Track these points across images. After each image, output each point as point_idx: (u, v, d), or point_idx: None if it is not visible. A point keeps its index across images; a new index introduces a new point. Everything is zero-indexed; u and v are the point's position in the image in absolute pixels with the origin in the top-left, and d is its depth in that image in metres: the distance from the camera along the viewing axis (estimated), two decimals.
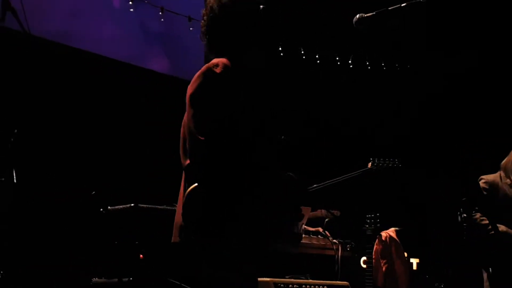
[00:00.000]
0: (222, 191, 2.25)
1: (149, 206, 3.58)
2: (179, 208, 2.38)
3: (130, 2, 4.93)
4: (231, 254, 2.28)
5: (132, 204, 3.51)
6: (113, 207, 3.51)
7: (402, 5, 2.32)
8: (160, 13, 5.07)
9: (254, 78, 2.54)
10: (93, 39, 5.17)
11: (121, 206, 3.55)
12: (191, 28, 5.34)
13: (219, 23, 2.47)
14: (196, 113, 2.32)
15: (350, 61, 6.47)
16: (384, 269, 4.94)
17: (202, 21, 2.52)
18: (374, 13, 2.38)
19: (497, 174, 4.21)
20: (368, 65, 6.59)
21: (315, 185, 4.50)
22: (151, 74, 5.58)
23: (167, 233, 3.47)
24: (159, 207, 3.64)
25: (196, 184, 2.26)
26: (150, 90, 5.46)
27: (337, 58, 6.42)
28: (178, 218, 2.35)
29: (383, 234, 5.00)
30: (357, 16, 2.39)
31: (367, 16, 2.39)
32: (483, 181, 4.19)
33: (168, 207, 3.66)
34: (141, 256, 3.33)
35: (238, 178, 2.28)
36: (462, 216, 4.13)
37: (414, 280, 5.50)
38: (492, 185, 4.14)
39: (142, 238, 3.40)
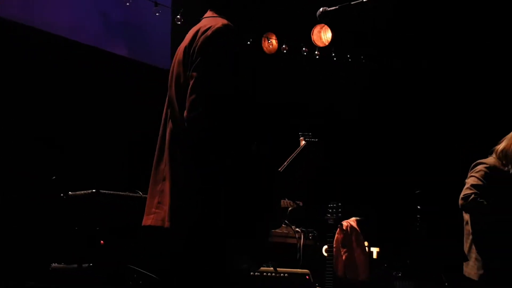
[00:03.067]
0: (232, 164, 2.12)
1: (111, 192, 3.55)
2: (167, 187, 2.20)
3: None
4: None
5: (94, 190, 3.47)
6: (74, 193, 3.46)
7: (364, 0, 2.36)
8: None
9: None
10: (53, 21, 5.08)
11: (82, 192, 3.50)
12: (157, 14, 5.28)
13: None
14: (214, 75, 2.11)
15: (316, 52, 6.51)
16: (344, 257, 5.01)
17: None
18: (337, 7, 2.41)
19: (494, 159, 4.06)
20: (334, 57, 6.64)
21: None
22: (113, 57, 5.51)
23: (129, 219, 3.46)
24: (122, 193, 3.61)
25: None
26: (112, 74, 5.39)
27: (304, 49, 6.44)
28: (169, 199, 2.17)
29: (344, 223, 5.07)
30: (321, 9, 2.42)
31: (330, 9, 2.43)
32: (484, 165, 4.01)
33: (131, 194, 3.64)
34: (101, 242, 3.30)
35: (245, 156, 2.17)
36: (417, 207, 4.07)
37: (374, 268, 5.59)
38: (493, 170, 3.98)
39: (103, 224, 3.36)
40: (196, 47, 2.21)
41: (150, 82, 5.72)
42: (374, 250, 6.33)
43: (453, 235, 4.30)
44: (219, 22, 2.26)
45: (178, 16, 5.37)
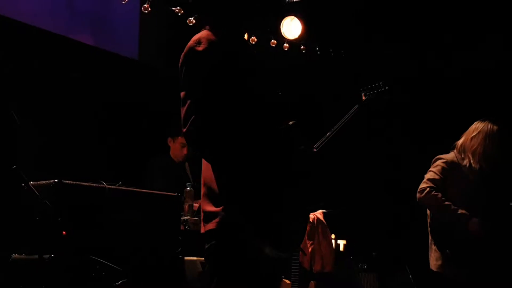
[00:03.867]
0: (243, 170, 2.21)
1: (74, 182, 3.49)
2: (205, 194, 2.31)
3: None
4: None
5: (56, 180, 3.41)
6: (35, 182, 3.40)
7: None
8: None
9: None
10: (17, 8, 4.98)
11: (44, 182, 3.44)
12: (123, 2, 5.21)
13: None
14: (186, 108, 2.25)
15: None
16: (310, 250, 5.05)
17: None
18: None
19: (453, 154, 4.14)
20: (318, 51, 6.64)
21: (316, 145, 4.21)
22: (79, 45, 5.42)
23: (92, 210, 3.42)
24: (85, 183, 3.55)
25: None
26: (78, 62, 5.31)
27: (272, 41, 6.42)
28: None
29: (311, 216, 5.10)
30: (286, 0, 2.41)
31: (296, 1, 2.42)
32: (442, 160, 4.10)
33: (94, 184, 3.59)
34: (63, 232, 3.25)
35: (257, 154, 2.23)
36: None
37: (339, 260, 5.63)
38: (451, 165, 4.07)
39: (65, 214, 3.31)
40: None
41: (116, 71, 5.65)
42: (341, 243, 6.38)
43: (419, 228, 4.37)
44: (197, 36, 2.33)
45: (146, 5, 5.30)
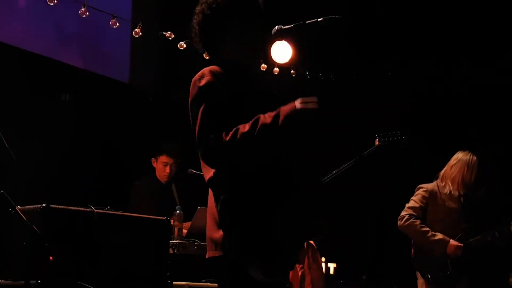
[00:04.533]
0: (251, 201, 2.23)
1: (62, 207, 3.47)
2: (210, 219, 2.34)
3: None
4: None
5: (44, 205, 3.39)
6: (23, 207, 3.38)
7: (319, 19, 2.39)
8: (83, 9, 4.94)
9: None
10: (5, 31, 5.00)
11: (31, 206, 3.42)
12: (114, 27, 5.24)
13: (212, 24, 2.42)
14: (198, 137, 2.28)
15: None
16: (300, 274, 5.02)
17: (193, 29, 2.47)
18: (292, 25, 2.44)
19: (435, 183, 4.37)
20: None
21: (327, 177, 4.46)
22: (69, 68, 5.44)
23: (80, 235, 3.40)
24: (73, 208, 3.54)
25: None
26: (67, 85, 5.32)
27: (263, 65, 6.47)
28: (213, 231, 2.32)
29: None
30: (276, 27, 2.45)
31: (285, 28, 2.46)
32: (423, 189, 4.34)
33: (82, 208, 3.57)
34: (50, 258, 3.22)
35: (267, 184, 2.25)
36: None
37: (330, 284, 5.61)
38: (431, 193, 4.29)
39: (52, 239, 3.29)
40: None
41: (107, 95, 5.66)
42: (331, 266, 6.36)
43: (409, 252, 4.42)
44: (203, 70, 2.38)
45: (137, 30, 5.33)
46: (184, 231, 4.52)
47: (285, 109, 2.26)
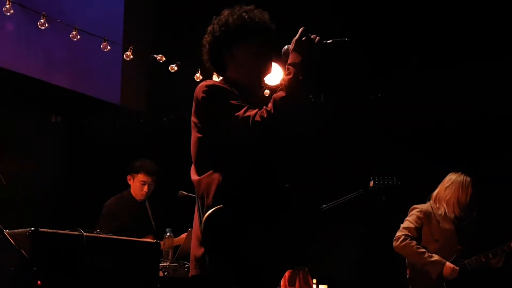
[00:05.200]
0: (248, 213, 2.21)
1: (50, 230, 3.44)
2: (194, 238, 2.32)
3: (42, 20, 4.79)
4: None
5: (32, 228, 3.36)
6: (11, 231, 3.35)
7: (328, 41, 2.40)
8: (74, 32, 4.96)
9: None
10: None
11: (19, 230, 3.39)
12: (105, 50, 5.26)
13: (221, 45, 2.45)
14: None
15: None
16: None
17: (203, 47, 2.50)
18: None
19: (428, 204, 4.42)
20: None
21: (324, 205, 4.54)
22: (60, 90, 5.45)
23: (69, 258, 3.36)
24: (61, 231, 3.51)
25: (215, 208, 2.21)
26: (59, 107, 5.32)
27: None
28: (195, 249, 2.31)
29: None
30: (285, 47, 2.46)
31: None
32: (417, 210, 4.38)
33: (71, 232, 3.54)
34: (39, 282, 3.18)
35: (262, 200, 2.24)
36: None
37: None
38: (426, 213, 4.34)
39: (41, 263, 3.25)
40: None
41: (98, 116, 5.66)
42: None
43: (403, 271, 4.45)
44: (204, 82, 2.42)
45: (128, 53, 5.35)
46: (163, 246, 4.42)
47: (292, 59, 2.32)
